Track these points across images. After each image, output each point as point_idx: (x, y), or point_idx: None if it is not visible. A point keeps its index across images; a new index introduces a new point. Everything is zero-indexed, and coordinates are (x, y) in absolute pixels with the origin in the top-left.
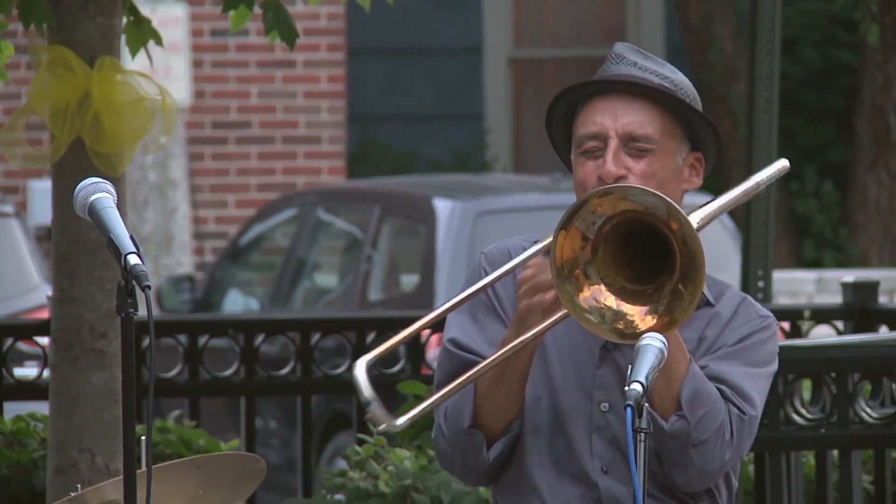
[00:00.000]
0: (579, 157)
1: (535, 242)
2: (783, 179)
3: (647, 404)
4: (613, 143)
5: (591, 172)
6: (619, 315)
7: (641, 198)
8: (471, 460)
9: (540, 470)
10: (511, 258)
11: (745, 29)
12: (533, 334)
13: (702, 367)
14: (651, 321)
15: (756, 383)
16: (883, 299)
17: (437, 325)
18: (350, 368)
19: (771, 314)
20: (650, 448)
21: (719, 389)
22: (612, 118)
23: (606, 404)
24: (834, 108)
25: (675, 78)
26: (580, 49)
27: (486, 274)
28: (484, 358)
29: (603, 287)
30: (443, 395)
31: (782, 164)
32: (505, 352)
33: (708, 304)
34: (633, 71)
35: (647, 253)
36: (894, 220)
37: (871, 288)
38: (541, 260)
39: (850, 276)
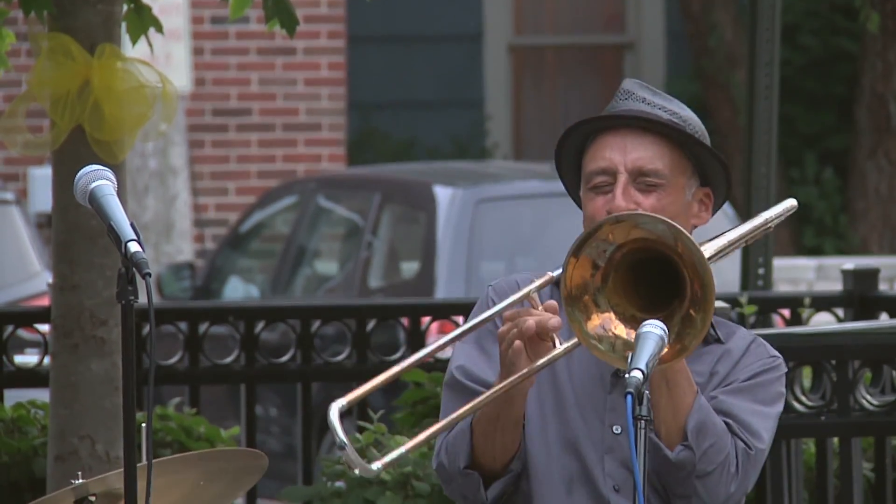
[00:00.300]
0: (588, 193)
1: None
2: (783, 167)
3: (647, 392)
4: (623, 178)
5: (600, 207)
6: (629, 344)
7: (652, 225)
8: (470, 498)
9: (549, 489)
10: (519, 288)
11: (745, 16)
12: (519, 377)
13: (710, 399)
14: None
15: (765, 422)
16: (883, 287)
17: (437, 313)
18: (350, 356)
19: (780, 355)
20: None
21: (726, 423)
22: (622, 153)
23: (618, 427)
24: (834, 96)
25: (684, 114)
26: (580, 36)
27: (493, 302)
28: (490, 386)
29: (613, 315)
30: (415, 444)
31: (790, 203)
32: (492, 393)
33: (718, 341)
34: (641, 107)
35: (657, 281)
36: (894, 208)
37: (872, 275)
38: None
39: (850, 263)
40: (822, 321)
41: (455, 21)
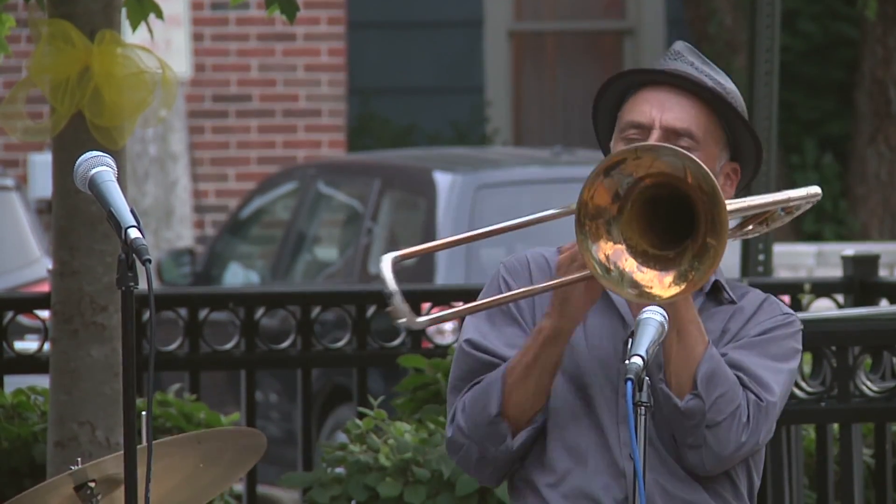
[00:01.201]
0: (619, 143)
1: (559, 251)
2: (783, 152)
3: (647, 378)
4: (656, 134)
5: None
6: (634, 282)
7: (673, 159)
8: (492, 450)
9: (566, 455)
10: (529, 267)
11: (745, 1)
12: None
13: (722, 355)
14: (670, 281)
15: (776, 375)
16: (883, 273)
17: (437, 299)
18: (350, 342)
19: (794, 313)
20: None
21: (737, 377)
22: (660, 109)
23: None
24: (834, 81)
25: (728, 86)
26: (580, 22)
27: (506, 284)
28: (500, 357)
29: (624, 248)
30: (472, 307)
31: (815, 190)
32: (551, 285)
33: (731, 301)
34: (688, 69)
35: (672, 221)
36: (894, 194)
37: (872, 261)
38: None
39: (850, 249)
40: (822, 307)
41: (455, 7)
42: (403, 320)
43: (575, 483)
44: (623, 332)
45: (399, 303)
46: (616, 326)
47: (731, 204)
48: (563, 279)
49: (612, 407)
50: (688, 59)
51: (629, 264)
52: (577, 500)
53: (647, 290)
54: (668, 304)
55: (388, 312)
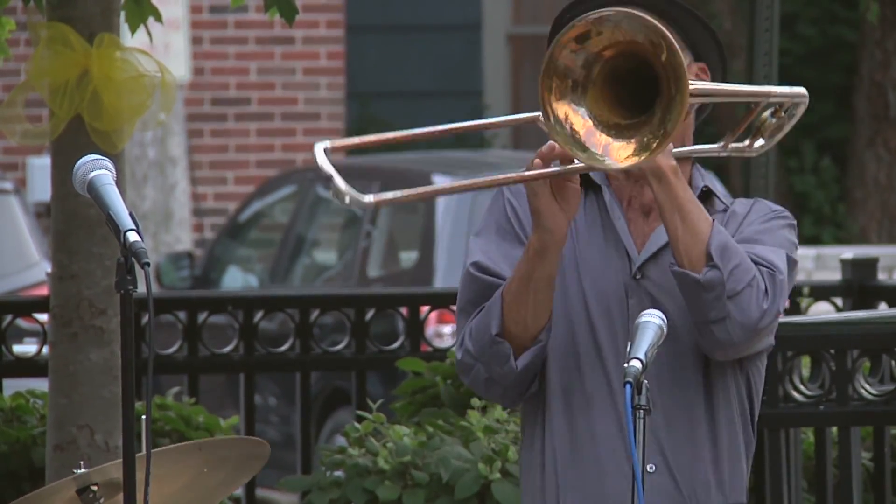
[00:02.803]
0: None
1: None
2: (781, 156)
3: (646, 381)
4: None
5: None
6: (599, 140)
7: (631, 25)
8: (497, 370)
9: (571, 399)
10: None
11: (743, 5)
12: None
13: None
14: (641, 142)
15: (779, 257)
16: (882, 276)
17: (436, 302)
18: (349, 345)
19: (786, 211)
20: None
21: None
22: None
23: None
24: (833, 85)
25: None
26: None
27: (509, 202)
28: (506, 280)
29: (593, 123)
30: (427, 191)
31: (801, 90)
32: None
33: (723, 210)
34: None
35: (636, 89)
36: (893, 197)
37: (870, 265)
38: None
39: (848, 252)
40: (821, 311)
41: (454, 11)
42: (347, 199)
43: (582, 427)
44: (629, 268)
45: (340, 183)
46: (623, 262)
47: (698, 84)
48: (533, 173)
49: (620, 348)
50: None
51: (601, 138)
52: (583, 442)
53: (612, 153)
54: (666, 189)
55: (332, 197)
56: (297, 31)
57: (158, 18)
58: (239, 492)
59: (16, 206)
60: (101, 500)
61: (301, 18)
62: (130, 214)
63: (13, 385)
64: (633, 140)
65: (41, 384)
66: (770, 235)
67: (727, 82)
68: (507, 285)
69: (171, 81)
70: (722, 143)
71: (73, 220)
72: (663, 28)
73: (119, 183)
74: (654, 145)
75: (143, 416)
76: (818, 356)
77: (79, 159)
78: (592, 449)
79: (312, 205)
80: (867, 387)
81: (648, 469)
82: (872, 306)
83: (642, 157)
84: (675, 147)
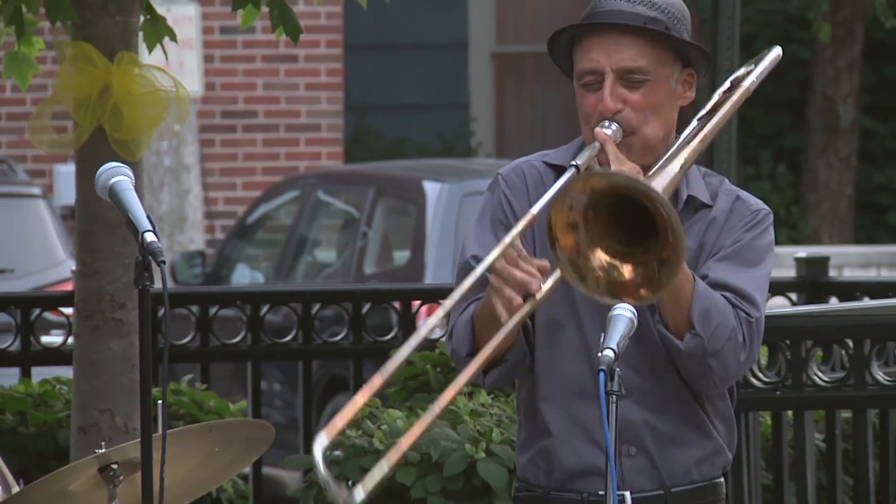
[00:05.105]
0: (580, 89)
1: (572, 166)
2: (740, 163)
3: (617, 369)
4: (609, 79)
5: (592, 105)
6: (612, 277)
7: (625, 181)
8: (472, 380)
9: (561, 395)
10: (526, 181)
11: (707, 27)
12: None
13: (704, 275)
14: (640, 282)
15: (755, 283)
16: (833, 273)
17: (427, 297)
18: (347, 336)
19: (764, 206)
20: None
21: (724, 296)
22: (606, 55)
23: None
24: (788, 99)
25: (662, 2)
26: None
27: (506, 199)
28: None
29: (599, 251)
30: (394, 460)
31: (776, 53)
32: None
33: (705, 206)
34: (622, 6)
35: (634, 220)
36: (843, 201)
37: (822, 263)
38: (542, 263)
39: (802, 252)
40: (778, 304)
41: (442, 31)
42: (341, 502)
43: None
44: None
45: (334, 489)
46: None
47: (694, 146)
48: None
49: (596, 319)
50: (616, 6)
51: (603, 263)
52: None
53: (623, 289)
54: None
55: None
56: (300, 50)
57: (173, 38)
58: (247, 470)
59: (44, 209)
60: (121, 477)
61: (303, 39)
62: (148, 217)
63: (41, 373)
64: (628, 269)
65: (66, 372)
66: (748, 251)
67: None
68: (477, 310)
69: (185, 96)
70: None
71: (95, 222)
72: (662, 199)
73: (137, 188)
74: (644, 293)
75: (159, 401)
76: (775, 346)
77: (101, 166)
78: (580, 433)
79: (314, 208)
80: (819, 374)
81: (630, 452)
82: (824, 301)
83: (654, 287)
84: (660, 156)
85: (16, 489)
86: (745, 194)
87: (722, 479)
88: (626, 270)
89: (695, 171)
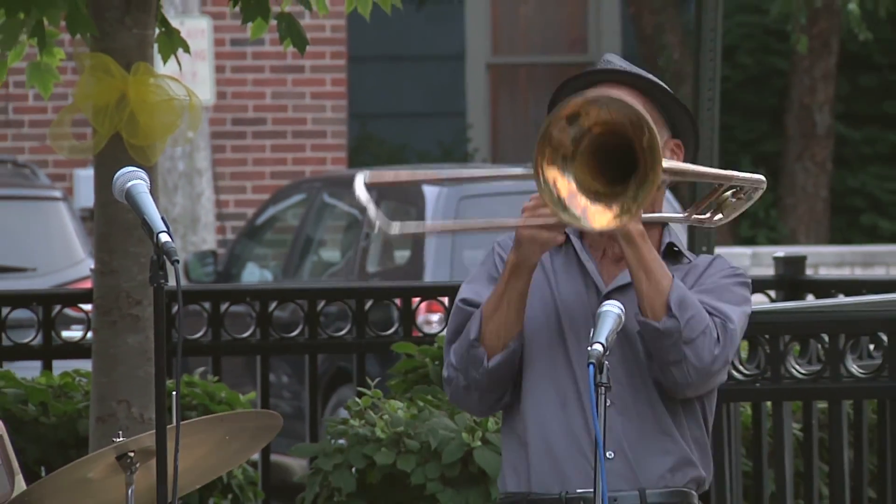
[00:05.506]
0: None
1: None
2: (722, 168)
3: (606, 362)
4: None
5: None
6: (582, 205)
7: (619, 109)
8: (473, 374)
9: (545, 403)
10: None
11: (690, 38)
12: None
13: None
14: (616, 212)
15: (733, 309)
16: (809, 272)
17: (426, 294)
18: (351, 331)
19: (741, 269)
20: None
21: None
22: None
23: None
24: (767, 107)
25: (654, 80)
26: (549, 56)
27: (501, 259)
28: None
29: (576, 187)
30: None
31: (760, 177)
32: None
33: (688, 262)
34: (626, 67)
35: (616, 163)
36: (819, 204)
37: (799, 262)
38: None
39: (780, 251)
40: (757, 301)
41: (441, 43)
42: (377, 225)
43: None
44: (596, 297)
45: (373, 212)
46: (591, 292)
47: (671, 163)
48: (527, 222)
49: (582, 355)
50: (618, 65)
51: (582, 201)
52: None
53: (589, 215)
54: (633, 250)
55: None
56: (306, 61)
57: (187, 50)
58: (256, 457)
59: (64, 211)
60: (137, 465)
61: (309, 50)
62: (162, 218)
63: (62, 366)
64: (609, 206)
65: (86, 365)
66: (727, 291)
67: (698, 152)
68: (486, 302)
69: (198, 104)
70: (686, 214)
71: (113, 224)
72: (646, 115)
73: (152, 191)
74: (626, 214)
75: (174, 392)
76: (755, 340)
77: (118, 171)
78: (561, 440)
79: (319, 210)
80: (797, 367)
81: (608, 456)
82: (801, 298)
83: (614, 223)
84: (645, 213)
85: (19, 476)
86: (724, 258)
87: (695, 493)
88: (608, 202)
89: (678, 228)
